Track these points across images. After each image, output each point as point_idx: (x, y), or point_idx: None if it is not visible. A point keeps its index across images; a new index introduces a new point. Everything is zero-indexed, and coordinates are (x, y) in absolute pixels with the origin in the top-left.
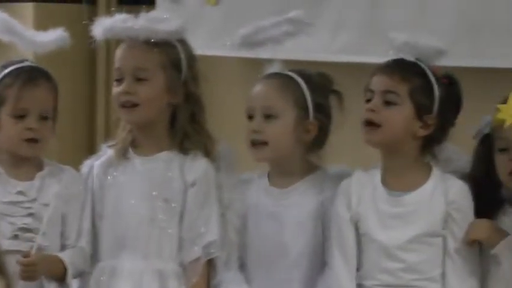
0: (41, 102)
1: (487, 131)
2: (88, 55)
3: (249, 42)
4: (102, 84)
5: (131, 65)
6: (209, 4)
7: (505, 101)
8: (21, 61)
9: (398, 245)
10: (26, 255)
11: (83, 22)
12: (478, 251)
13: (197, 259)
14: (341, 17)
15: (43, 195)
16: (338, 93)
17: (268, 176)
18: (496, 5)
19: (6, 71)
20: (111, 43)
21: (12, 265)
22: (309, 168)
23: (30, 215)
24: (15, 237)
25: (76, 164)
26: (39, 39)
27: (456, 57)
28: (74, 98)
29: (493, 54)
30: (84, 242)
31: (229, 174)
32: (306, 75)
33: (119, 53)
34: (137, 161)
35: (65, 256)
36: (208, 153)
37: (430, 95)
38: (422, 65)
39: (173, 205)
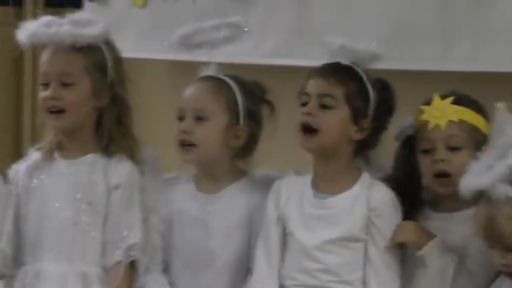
0: None
1: (409, 132)
2: (14, 58)
3: (186, 43)
4: (29, 88)
5: (57, 70)
6: (136, 6)
7: (428, 103)
8: None
9: (317, 245)
10: None
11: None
12: (400, 256)
13: (119, 262)
14: (269, 20)
15: None
16: (270, 104)
17: (195, 181)
18: (423, 7)
19: None
20: (37, 46)
21: None
22: (237, 174)
23: None
24: None
25: (3, 169)
26: None
27: (385, 60)
28: (0, 102)
29: (421, 57)
30: (4, 244)
31: (154, 177)
32: (240, 81)
33: (44, 57)
34: (62, 164)
35: None
36: (132, 156)
37: (366, 99)
38: (358, 69)
39: (97, 208)
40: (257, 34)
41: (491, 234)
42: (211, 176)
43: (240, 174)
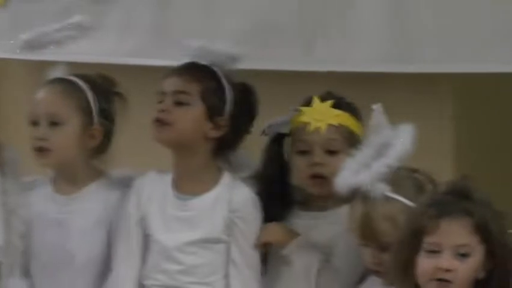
0: None
1: (280, 130)
2: None
3: (31, 46)
4: None
5: None
6: None
7: (307, 103)
8: None
9: (177, 247)
10: None
11: None
12: (263, 258)
13: None
14: (129, 19)
15: None
16: (121, 95)
17: (53, 182)
18: (285, 7)
19: None
20: None
21: None
22: (94, 175)
23: None
24: None
25: None
26: None
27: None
28: None
29: (283, 57)
30: None
31: (15, 179)
32: (90, 80)
33: None
34: None
35: None
36: None
37: (222, 97)
38: (215, 68)
39: None
40: (117, 33)
41: (367, 232)
42: (69, 178)
43: (97, 174)
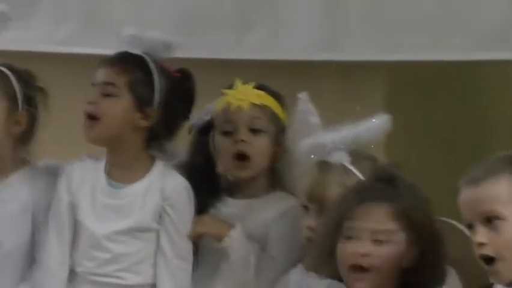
0: None
1: (207, 118)
2: None
3: None
4: None
5: None
6: None
7: (230, 87)
8: None
9: (106, 235)
10: None
11: None
12: (194, 248)
13: None
14: (62, 7)
15: None
16: (43, 91)
17: None
18: None
19: None
20: None
21: None
22: (20, 163)
23: None
24: None
25: None
26: None
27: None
28: None
29: (217, 45)
30: None
31: None
32: (14, 69)
33: None
34: None
35: None
36: None
37: (150, 87)
38: (146, 58)
39: None
40: (50, 22)
41: (316, 193)
42: None
43: (23, 163)
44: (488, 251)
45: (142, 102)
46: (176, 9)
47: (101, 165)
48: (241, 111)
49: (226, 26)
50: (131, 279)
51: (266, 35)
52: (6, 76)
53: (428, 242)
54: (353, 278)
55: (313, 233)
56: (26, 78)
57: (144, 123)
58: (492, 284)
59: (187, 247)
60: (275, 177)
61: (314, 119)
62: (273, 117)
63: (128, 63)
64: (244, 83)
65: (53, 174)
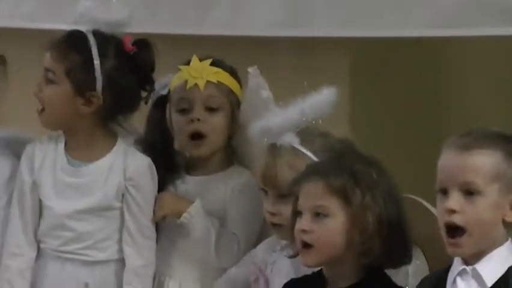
0: None
1: (163, 93)
2: None
3: None
4: None
5: None
6: None
7: (187, 63)
8: None
9: (68, 214)
10: None
11: None
12: (156, 225)
13: None
14: None
15: None
16: (1, 58)
17: None
18: None
19: None
20: None
21: None
22: None
23: None
24: None
25: None
26: None
27: (141, 24)
28: None
29: (178, 20)
30: None
31: None
32: None
33: None
34: None
35: None
36: None
37: (91, 72)
38: (90, 39)
39: None
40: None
41: (268, 177)
42: None
43: None
44: (457, 219)
45: (82, 88)
46: None
47: (61, 145)
48: (197, 90)
49: (189, 2)
50: (96, 256)
51: (228, 10)
52: None
53: (380, 218)
54: (301, 254)
55: (275, 218)
56: None
57: (87, 109)
58: None
59: (151, 225)
60: (232, 153)
61: (266, 92)
62: (229, 94)
63: (68, 47)
64: (201, 59)
65: (11, 145)
